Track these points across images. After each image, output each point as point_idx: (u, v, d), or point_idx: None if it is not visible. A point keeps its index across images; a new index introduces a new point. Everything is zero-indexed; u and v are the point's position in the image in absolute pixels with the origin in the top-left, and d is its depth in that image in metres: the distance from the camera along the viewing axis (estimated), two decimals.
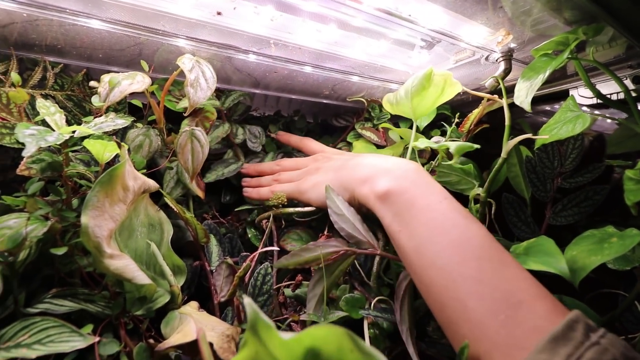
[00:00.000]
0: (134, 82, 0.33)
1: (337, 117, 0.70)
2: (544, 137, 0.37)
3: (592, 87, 0.41)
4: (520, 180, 0.55)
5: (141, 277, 0.30)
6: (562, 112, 0.46)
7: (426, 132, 0.63)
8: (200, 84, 0.38)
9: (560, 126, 0.46)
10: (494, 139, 0.59)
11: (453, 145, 0.38)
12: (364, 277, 0.43)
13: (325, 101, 0.62)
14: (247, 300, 0.21)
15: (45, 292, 0.31)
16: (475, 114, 0.52)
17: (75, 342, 0.25)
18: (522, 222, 0.55)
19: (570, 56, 0.37)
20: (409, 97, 0.45)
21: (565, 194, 0.54)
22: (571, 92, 0.55)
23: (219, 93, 0.54)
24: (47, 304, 0.29)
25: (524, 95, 0.36)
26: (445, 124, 0.56)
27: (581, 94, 0.54)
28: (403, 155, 0.56)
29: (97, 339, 0.25)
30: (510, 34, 0.38)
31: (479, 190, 0.43)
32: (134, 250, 0.34)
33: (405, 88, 0.46)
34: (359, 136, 0.62)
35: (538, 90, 0.55)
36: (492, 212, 0.46)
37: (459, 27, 0.40)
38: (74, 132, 0.30)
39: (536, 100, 0.65)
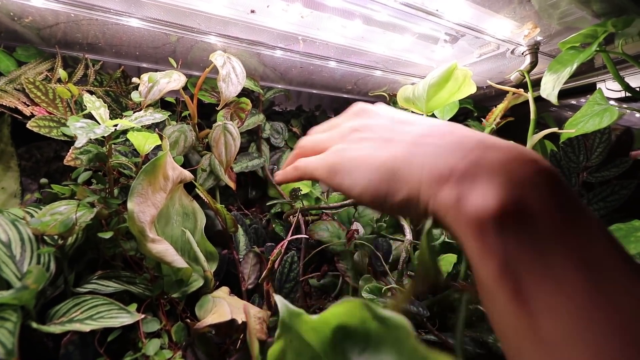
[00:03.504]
0: (171, 80, 0.35)
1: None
2: (569, 131, 0.37)
3: (621, 79, 0.41)
4: None
5: (179, 261, 0.32)
6: (589, 105, 0.46)
7: None
8: (232, 78, 0.39)
9: (587, 120, 0.45)
10: (515, 132, 0.58)
11: None
12: (386, 269, 0.44)
13: (346, 96, 0.63)
14: (277, 297, 0.21)
15: (90, 274, 0.33)
16: (500, 109, 0.51)
17: (124, 318, 0.27)
18: None
19: (598, 49, 0.37)
20: (425, 89, 0.45)
21: (591, 188, 0.53)
22: (598, 85, 0.54)
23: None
24: (94, 284, 0.31)
25: (550, 88, 0.36)
26: (469, 119, 0.56)
27: (609, 87, 0.53)
28: None
29: (142, 316, 0.27)
30: (538, 27, 0.38)
31: None
32: (170, 237, 0.36)
33: (424, 82, 0.46)
34: None
35: (564, 83, 0.54)
36: None
37: (485, 20, 0.40)
38: (116, 125, 0.32)
39: (562, 94, 0.63)
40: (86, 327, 0.25)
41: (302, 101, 0.69)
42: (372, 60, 0.48)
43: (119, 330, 0.30)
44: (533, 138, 0.39)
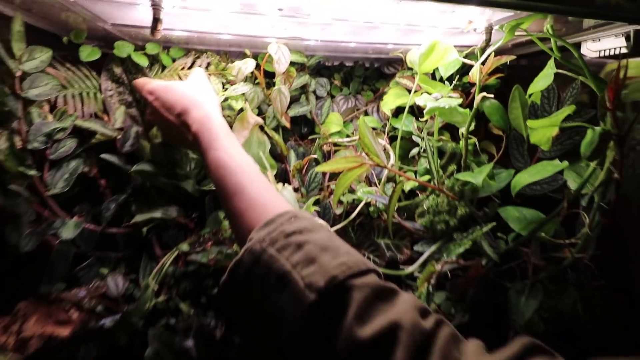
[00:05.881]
0: (247, 66, 0.62)
1: (388, 65, 0.89)
2: (490, 95, 0.53)
3: (558, 52, 0.53)
4: (520, 122, 0.69)
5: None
6: (546, 68, 0.59)
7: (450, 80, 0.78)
8: (281, 60, 0.65)
9: (541, 79, 0.59)
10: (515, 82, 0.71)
11: (429, 105, 0.57)
12: (376, 183, 0.70)
13: (375, 56, 0.82)
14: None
15: None
16: (485, 68, 0.66)
17: None
18: (520, 154, 0.71)
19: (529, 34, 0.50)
20: (417, 57, 0.63)
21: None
22: (583, 45, 0.62)
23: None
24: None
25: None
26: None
27: (588, 47, 0.61)
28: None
29: None
30: (472, 22, 0.52)
31: (463, 129, 0.62)
32: (251, 154, 0.67)
33: (417, 51, 0.64)
34: (398, 83, 0.81)
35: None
36: (477, 145, 0.64)
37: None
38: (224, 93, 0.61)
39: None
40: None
41: (345, 59, 0.90)
42: (384, 36, 0.67)
43: None
44: (477, 98, 0.56)
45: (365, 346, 0.24)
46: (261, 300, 0.30)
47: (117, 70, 0.65)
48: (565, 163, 0.54)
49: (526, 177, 0.56)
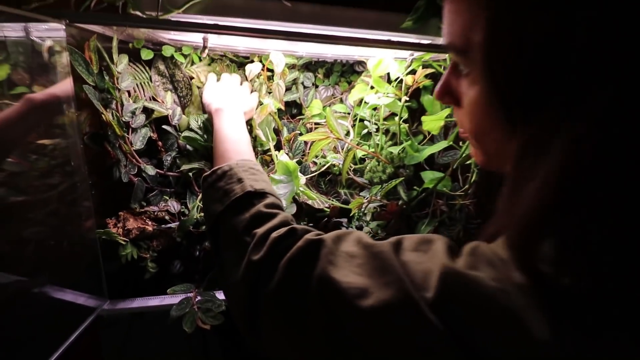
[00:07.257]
0: (256, 67, 0.92)
1: (359, 64, 1.19)
2: (408, 98, 0.85)
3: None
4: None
5: (263, 137, 0.94)
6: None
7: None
8: (279, 64, 0.95)
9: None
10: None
11: (371, 102, 0.88)
12: (340, 151, 1.02)
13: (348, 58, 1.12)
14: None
15: None
16: (411, 77, 0.97)
17: None
18: (439, 135, 1.03)
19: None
20: (371, 66, 0.94)
21: None
22: None
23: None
24: None
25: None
26: None
27: None
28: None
29: None
30: (396, 52, 0.83)
31: (397, 117, 0.94)
32: (262, 130, 0.99)
33: (371, 63, 0.94)
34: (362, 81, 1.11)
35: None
36: (407, 128, 0.96)
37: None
38: None
39: None
40: None
41: (326, 58, 1.19)
42: (351, 50, 0.97)
43: None
44: (402, 100, 0.87)
45: (264, 214, 0.50)
46: (224, 185, 0.56)
47: (162, 66, 0.95)
48: (447, 142, 0.87)
49: (428, 150, 0.89)
